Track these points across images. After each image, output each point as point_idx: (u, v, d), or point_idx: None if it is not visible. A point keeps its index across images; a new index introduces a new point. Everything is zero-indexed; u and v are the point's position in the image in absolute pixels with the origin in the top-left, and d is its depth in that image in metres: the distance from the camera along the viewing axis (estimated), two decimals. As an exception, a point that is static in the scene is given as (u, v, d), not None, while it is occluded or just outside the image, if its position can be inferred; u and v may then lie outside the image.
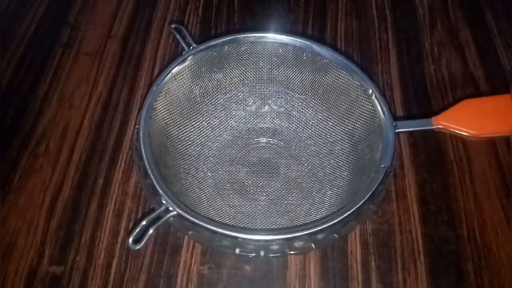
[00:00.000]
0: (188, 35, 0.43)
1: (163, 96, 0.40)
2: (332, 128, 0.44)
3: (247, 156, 0.44)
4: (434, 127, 0.39)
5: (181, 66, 0.41)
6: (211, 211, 0.39)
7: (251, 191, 0.42)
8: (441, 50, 0.52)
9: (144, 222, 0.32)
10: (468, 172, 0.43)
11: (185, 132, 0.43)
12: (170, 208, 0.33)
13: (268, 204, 0.41)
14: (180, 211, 0.33)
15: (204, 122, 0.45)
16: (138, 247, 0.31)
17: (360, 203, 0.34)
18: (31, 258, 0.39)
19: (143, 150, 0.36)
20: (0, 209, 0.41)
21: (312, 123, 0.45)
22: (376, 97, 0.39)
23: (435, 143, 0.45)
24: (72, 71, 0.51)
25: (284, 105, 0.46)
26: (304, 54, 0.43)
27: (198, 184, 0.42)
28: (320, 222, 0.33)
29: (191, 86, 0.43)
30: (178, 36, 0.43)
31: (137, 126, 0.38)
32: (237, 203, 0.41)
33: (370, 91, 0.40)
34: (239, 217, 0.40)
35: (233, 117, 0.46)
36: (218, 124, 0.46)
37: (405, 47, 0.53)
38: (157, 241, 0.39)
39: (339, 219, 0.33)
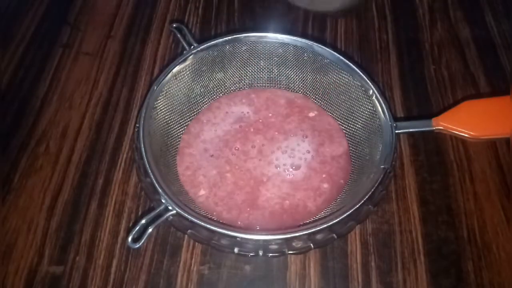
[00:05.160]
0: (189, 34, 0.43)
1: (164, 95, 0.41)
2: (332, 128, 0.44)
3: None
4: (434, 128, 0.39)
5: (182, 65, 0.42)
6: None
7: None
8: (441, 50, 0.52)
9: (143, 221, 0.32)
10: (468, 172, 0.43)
11: (185, 131, 0.43)
12: (170, 207, 0.33)
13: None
14: (179, 210, 0.33)
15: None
16: (137, 246, 0.32)
17: (359, 204, 0.34)
18: (31, 258, 0.39)
19: (143, 149, 0.36)
20: (0, 209, 0.41)
21: (312, 123, 0.45)
22: (376, 97, 0.39)
23: (435, 143, 0.45)
24: (72, 71, 0.51)
25: (284, 105, 0.46)
26: (305, 54, 0.43)
27: (198, 184, 0.42)
28: (319, 222, 0.33)
29: (191, 85, 0.43)
30: (179, 35, 0.43)
31: (137, 125, 0.38)
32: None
33: (371, 91, 0.40)
34: (238, 217, 0.40)
35: (233, 117, 0.46)
36: (218, 124, 0.46)
37: (405, 47, 0.52)
38: (157, 241, 0.39)
39: (338, 219, 0.33)
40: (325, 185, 0.40)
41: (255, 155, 0.41)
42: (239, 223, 0.38)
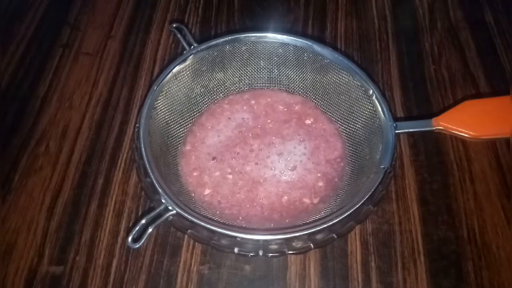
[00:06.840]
0: (189, 34, 0.43)
1: (164, 95, 0.41)
2: (332, 128, 0.44)
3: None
4: (434, 128, 0.39)
5: (182, 65, 0.42)
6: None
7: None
8: (441, 50, 0.52)
9: (143, 221, 0.32)
10: (468, 172, 0.43)
11: (185, 131, 0.43)
12: (170, 207, 0.33)
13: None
14: (179, 210, 0.33)
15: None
16: (137, 246, 0.32)
17: (359, 204, 0.34)
18: (31, 258, 0.39)
19: (143, 149, 0.36)
20: (0, 209, 0.41)
21: (312, 123, 0.45)
22: (376, 97, 0.39)
23: (435, 143, 0.45)
24: (72, 71, 0.51)
25: (284, 105, 0.46)
26: (305, 54, 0.43)
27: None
28: (319, 222, 0.33)
29: (191, 85, 0.43)
30: (179, 35, 0.43)
31: (137, 125, 0.38)
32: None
33: (371, 91, 0.40)
34: (238, 216, 0.40)
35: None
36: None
37: (405, 47, 0.53)
38: (157, 241, 0.39)
39: (338, 219, 0.33)
40: (320, 184, 0.40)
41: (253, 159, 0.42)
42: (240, 218, 0.38)
